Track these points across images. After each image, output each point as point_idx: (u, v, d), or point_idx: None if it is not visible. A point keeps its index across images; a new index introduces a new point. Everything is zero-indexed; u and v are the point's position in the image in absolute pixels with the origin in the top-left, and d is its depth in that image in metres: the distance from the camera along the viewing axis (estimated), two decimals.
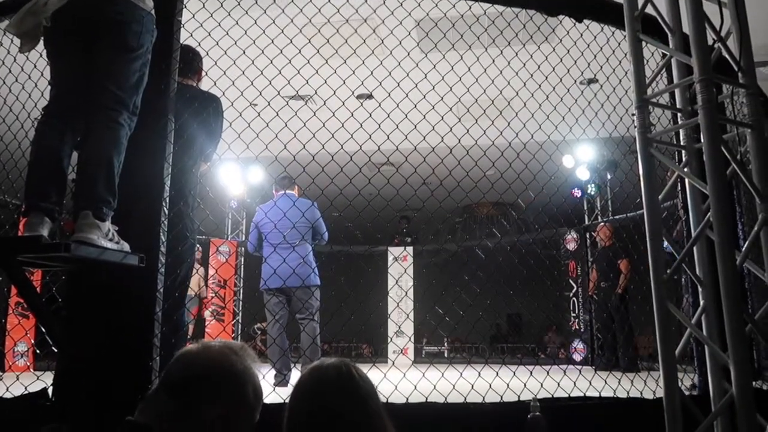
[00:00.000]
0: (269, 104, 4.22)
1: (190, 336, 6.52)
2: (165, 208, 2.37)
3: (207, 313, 7.33)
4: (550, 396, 2.46)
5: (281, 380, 4.00)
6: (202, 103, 2.76)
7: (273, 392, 2.55)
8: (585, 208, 8.16)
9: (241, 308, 8.81)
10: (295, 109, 4.48)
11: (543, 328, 9.97)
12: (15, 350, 5.56)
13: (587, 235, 7.86)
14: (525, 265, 7.51)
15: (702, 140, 2.01)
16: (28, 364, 5.78)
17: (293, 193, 4.74)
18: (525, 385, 2.53)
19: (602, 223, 7.14)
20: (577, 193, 7.92)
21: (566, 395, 2.49)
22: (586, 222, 8.04)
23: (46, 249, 1.89)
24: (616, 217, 7.23)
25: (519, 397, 2.38)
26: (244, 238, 9.16)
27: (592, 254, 7.48)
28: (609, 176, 7.64)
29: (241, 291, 8.86)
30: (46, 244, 1.90)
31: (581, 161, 7.68)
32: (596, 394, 2.55)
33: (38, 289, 2.68)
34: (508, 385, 2.49)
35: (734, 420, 1.90)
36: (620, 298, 6.22)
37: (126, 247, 2.13)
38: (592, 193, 7.95)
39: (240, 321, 8.84)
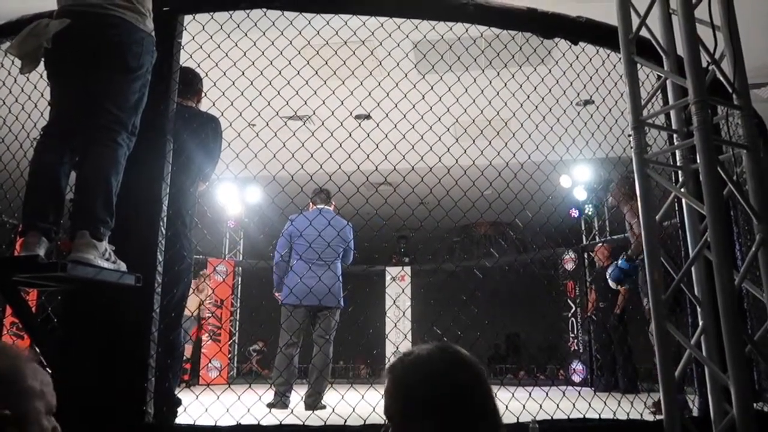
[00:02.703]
0: (267, 125, 4.24)
1: (188, 357, 6.48)
2: (162, 228, 2.37)
3: (205, 336, 7.28)
4: (550, 418, 2.43)
5: (279, 401, 3.90)
6: (201, 124, 2.78)
7: (269, 414, 2.52)
8: (583, 228, 8.17)
9: (237, 328, 8.75)
10: (294, 130, 4.51)
11: (542, 349, 9.92)
12: None
13: (585, 255, 7.85)
14: (523, 285, 7.50)
15: (698, 161, 2.02)
16: None
17: (330, 210, 4.62)
18: (524, 407, 2.51)
19: (600, 243, 7.14)
20: (575, 213, 7.94)
21: (566, 417, 2.47)
22: (584, 242, 8.04)
23: (42, 269, 1.89)
24: (614, 237, 7.24)
25: (518, 419, 2.36)
26: (241, 258, 9.14)
27: (590, 274, 7.46)
28: (607, 196, 7.67)
29: (238, 311, 8.82)
30: (43, 264, 1.89)
31: (578, 181, 7.71)
32: (596, 416, 2.52)
33: (33, 309, 2.67)
34: (507, 406, 2.46)
35: None
36: (619, 318, 6.18)
37: (123, 266, 2.12)
38: (590, 213, 7.96)
39: (236, 341, 8.78)
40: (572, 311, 7.82)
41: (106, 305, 2.22)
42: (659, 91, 2.42)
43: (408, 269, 8.73)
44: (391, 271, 8.66)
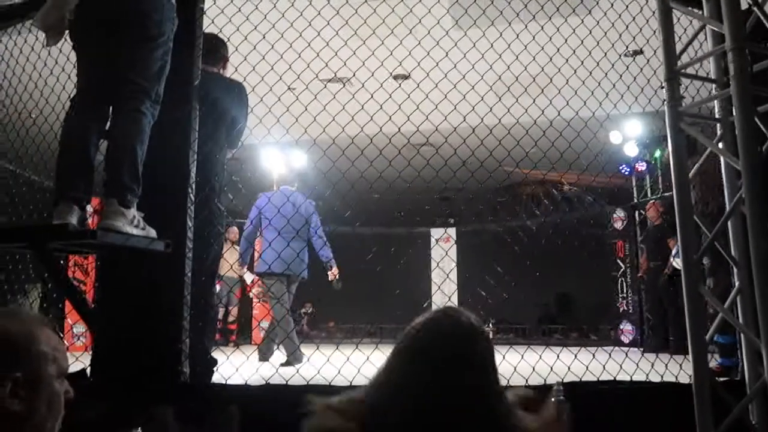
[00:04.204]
0: (307, 87, 4.24)
1: (235, 318, 6.72)
2: (191, 195, 2.42)
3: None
4: (578, 380, 2.40)
5: (294, 358, 4.10)
6: (225, 90, 2.79)
7: (276, 373, 2.57)
8: (634, 185, 7.87)
9: None
10: (334, 92, 4.49)
11: (593, 309, 9.76)
12: (73, 331, 5.86)
13: (636, 214, 7.58)
14: (572, 245, 7.34)
15: (734, 112, 1.90)
16: (86, 344, 6.08)
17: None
18: (551, 368, 2.48)
19: (652, 201, 6.86)
20: (625, 170, 7.64)
21: (595, 379, 2.43)
22: (635, 200, 7.75)
23: (73, 236, 1.97)
24: (666, 194, 6.93)
25: (545, 380, 2.34)
26: None
27: (641, 233, 7.22)
28: (658, 152, 7.33)
29: None
30: (74, 231, 1.98)
31: (629, 137, 7.39)
32: (628, 378, 2.47)
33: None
34: (534, 368, 2.45)
35: None
36: (669, 278, 5.98)
37: (152, 233, 2.19)
38: (641, 170, 7.64)
39: None
40: (621, 271, 7.61)
41: (140, 270, 2.31)
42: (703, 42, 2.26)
43: (453, 231, 8.67)
44: (436, 233, 8.62)
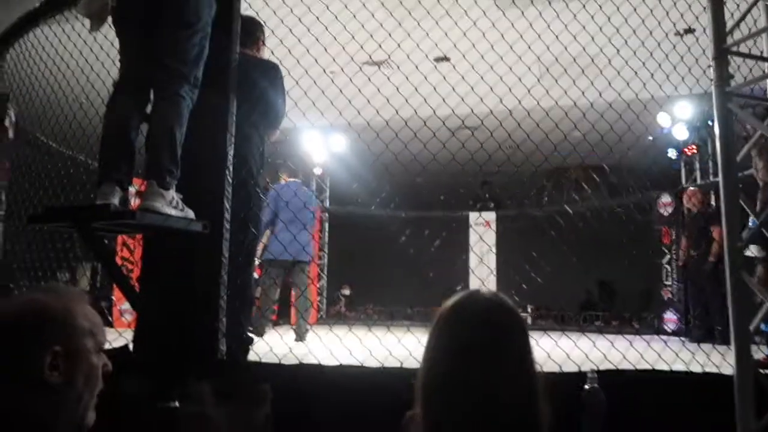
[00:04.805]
0: (343, 70, 4.23)
1: (277, 299, 6.84)
2: (228, 177, 2.46)
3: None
4: (615, 368, 2.36)
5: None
6: (261, 72, 2.81)
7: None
8: (683, 169, 7.60)
9: (326, 272, 9.07)
10: (370, 75, 4.47)
11: (636, 297, 9.54)
12: (121, 308, 6.07)
13: (683, 199, 7.34)
14: (616, 230, 7.16)
15: None
16: (130, 321, 6.29)
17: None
18: (587, 355, 2.44)
19: (692, 188, 6.65)
20: (674, 154, 7.39)
21: (633, 367, 2.38)
22: (684, 184, 7.50)
23: (114, 216, 2.04)
24: (715, 179, 6.69)
25: (580, 368, 2.30)
26: (328, 204, 9.40)
27: (683, 221, 7.01)
28: (709, 135, 7.05)
29: (326, 256, 9.11)
30: (115, 212, 2.04)
31: (679, 119, 7.13)
32: (667, 368, 2.41)
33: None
34: (568, 355, 2.41)
35: None
36: (713, 267, 5.81)
37: (190, 214, 2.24)
38: (691, 153, 7.37)
39: (326, 285, 9.11)
40: (667, 258, 7.39)
41: (179, 251, 2.37)
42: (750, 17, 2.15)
43: (492, 215, 8.58)
44: (474, 217, 8.55)
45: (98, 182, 2.15)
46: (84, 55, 3.18)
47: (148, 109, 2.30)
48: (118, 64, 2.33)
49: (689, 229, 6.47)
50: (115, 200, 2.11)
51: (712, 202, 6.58)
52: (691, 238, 6.37)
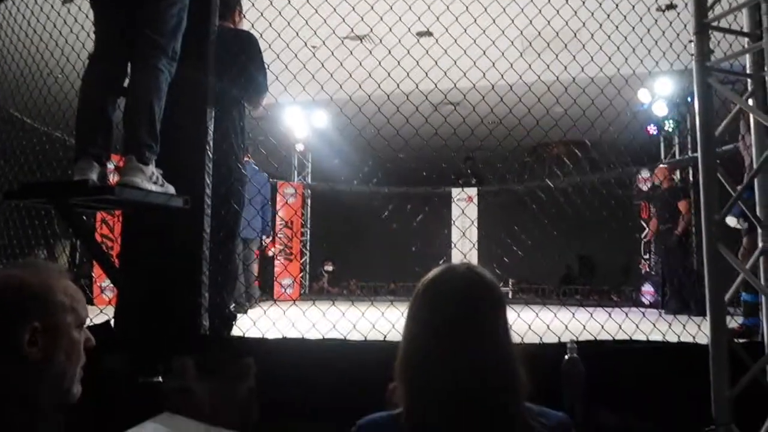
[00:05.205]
0: (324, 43, 4.16)
1: (257, 275, 6.86)
2: (209, 152, 2.43)
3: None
4: (594, 338, 2.40)
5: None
6: (239, 44, 2.75)
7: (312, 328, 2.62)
8: (662, 145, 7.68)
9: (308, 249, 9.07)
10: (351, 49, 4.42)
11: (616, 271, 9.70)
12: (101, 285, 6.02)
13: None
14: (596, 206, 7.24)
15: (766, 68, 1.82)
16: (111, 297, 6.24)
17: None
18: (567, 327, 2.49)
19: (661, 165, 6.83)
20: (653, 130, 7.45)
21: (611, 338, 2.43)
22: (663, 160, 7.59)
23: (93, 192, 2.00)
24: (693, 154, 6.78)
25: (559, 338, 2.35)
26: (310, 181, 9.34)
27: (649, 196, 7.20)
28: (688, 111, 7.12)
29: (308, 232, 9.10)
30: (93, 188, 2.01)
31: (659, 95, 7.18)
32: (644, 338, 2.46)
33: None
34: (548, 326, 2.45)
35: None
36: (678, 240, 6.00)
37: (171, 189, 2.21)
38: (671, 129, 7.45)
39: (308, 261, 9.12)
40: (645, 233, 7.51)
41: (160, 226, 2.34)
42: None
43: (474, 190, 8.62)
44: (457, 192, 8.59)
45: (75, 158, 2.11)
46: (58, 28, 3.10)
47: (126, 83, 2.26)
48: (93, 36, 2.27)
49: (657, 205, 6.64)
50: (93, 176, 2.08)
51: (680, 178, 6.78)
52: (659, 213, 6.54)
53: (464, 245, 7.20)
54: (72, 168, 2.14)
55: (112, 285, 3.56)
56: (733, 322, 3.10)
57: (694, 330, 2.55)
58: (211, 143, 2.45)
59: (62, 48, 3.08)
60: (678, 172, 7.09)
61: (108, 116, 2.17)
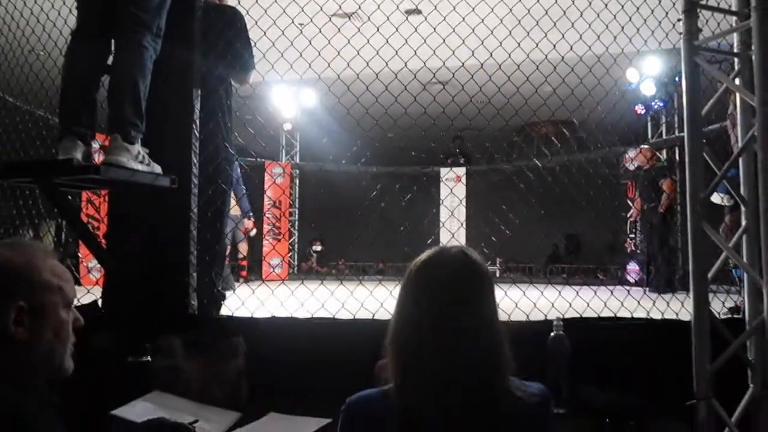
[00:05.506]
0: (312, 21, 4.10)
1: (245, 255, 6.86)
2: (195, 131, 2.41)
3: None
4: (579, 316, 2.44)
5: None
6: (223, 19, 2.71)
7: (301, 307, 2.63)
8: (649, 125, 7.72)
9: (296, 228, 9.06)
10: (339, 26, 4.37)
11: (603, 250, 9.80)
12: (88, 265, 5.98)
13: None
14: (585, 185, 7.28)
15: (752, 46, 1.83)
16: (98, 278, 6.20)
17: None
18: (553, 304, 2.52)
19: (644, 146, 6.89)
20: (641, 109, 7.48)
21: (596, 315, 2.46)
22: (651, 139, 7.63)
23: (77, 171, 1.98)
24: (680, 134, 6.83)
25: (546, 316, 2.38)
26: (298, 160, 9.30)
27: (637, 176, 7.29)
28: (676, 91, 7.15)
29: (297, 212, 9.08)
30: (78, 167, 1.99)
31: (647, 75, 7.19)
32: (629, 315, 2.50)
33: None
34: (535, 304, 2.48)
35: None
36: (662, 218, 6.09)
37: (157, 169, 2.19)
38: (658, 108, 7.48)
39: (296, 241, 9.11)
40: (630, 212, 7.59)
41: (147, 206, 2.33)
42: None
43: (463, 170, 8.63)
44: (445, 171, 8.59)
45: (59, 137, 2.09)
46: (39, 3, 3.03)
47: (110, 60, 2.22)
48: (75, 11, 2.22)
49: (643, 184, 6.72)
50: (78, 155, 2.06)
51: (666, 158, 6.86)
52: (643, 192, 6.62)
53: (453, 224, 7.21)
54: (56, 147, 2.12)
55: (99, 265, 3.55)
56: (729, 300, 3.15)
57: (677, 307, 2.58)
58: (198, 121, 2.42)
59: (44, 24, 3.02)
60: (664, 152, 7.15)
61: (92, 94, 2.14)
